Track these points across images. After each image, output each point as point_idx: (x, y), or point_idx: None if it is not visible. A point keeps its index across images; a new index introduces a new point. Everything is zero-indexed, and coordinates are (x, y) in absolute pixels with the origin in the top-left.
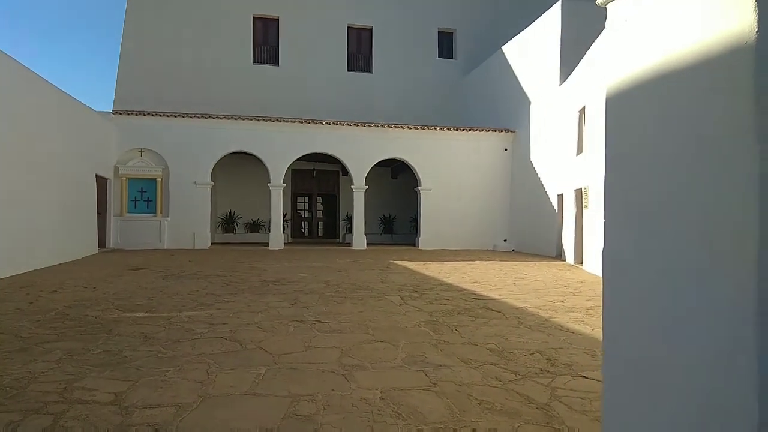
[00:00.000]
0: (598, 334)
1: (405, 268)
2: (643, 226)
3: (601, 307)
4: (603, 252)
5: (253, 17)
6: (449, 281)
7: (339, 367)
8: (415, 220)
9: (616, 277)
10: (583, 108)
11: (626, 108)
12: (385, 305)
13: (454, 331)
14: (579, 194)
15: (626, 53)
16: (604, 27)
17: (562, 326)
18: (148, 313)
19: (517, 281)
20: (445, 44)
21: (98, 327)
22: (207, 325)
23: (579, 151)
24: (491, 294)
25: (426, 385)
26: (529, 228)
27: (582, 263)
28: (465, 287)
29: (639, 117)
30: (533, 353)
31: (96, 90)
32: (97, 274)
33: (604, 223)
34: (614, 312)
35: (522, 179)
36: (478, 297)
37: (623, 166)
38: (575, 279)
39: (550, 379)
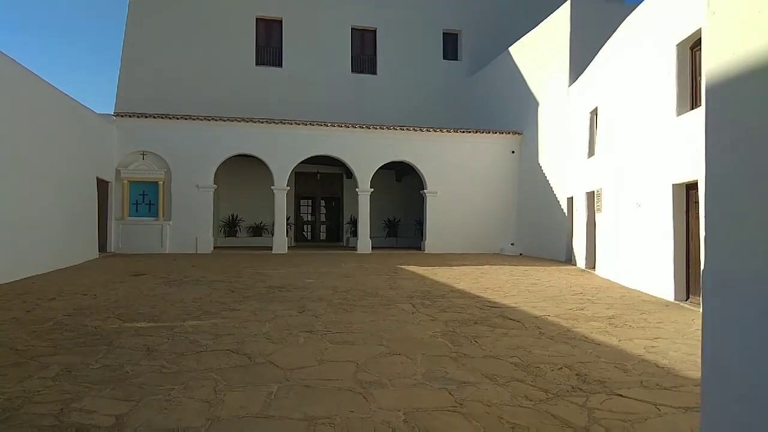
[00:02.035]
0: (626, 345)
1: (413, 273)
2: (763, 236)
3: (621, 317)
4: (704, 271)
5: (256, 18)
6: (460, 287)
7: (356, 384)
8: (419, 224)
9: (724, 300)
10: (596, 109)
11: (736, 94)
12: (397, 313)
13: (473, 342)
14: (591, 197)
15: (739, 30)
16: (615, 25)
17: (586, 337)
18: (150, 323)
19: (531, 287)
20: (450, 45)
21: (98, 338)
22: (212, 336)
23: (591, 153)
24: (506, 301)
25: (452, 406)
26: (537, 231)
27: (594, 268)
28: (477, 294)
29: (755, 103)
30: (561, 368)
31: (98, 92)
32: (98, 280)
33: (706, 235)
34: (721, 339)
35: (530, 182)
36: (493, 305)
37: (734, 162)
38: (590, 285)
39: (585, 399)
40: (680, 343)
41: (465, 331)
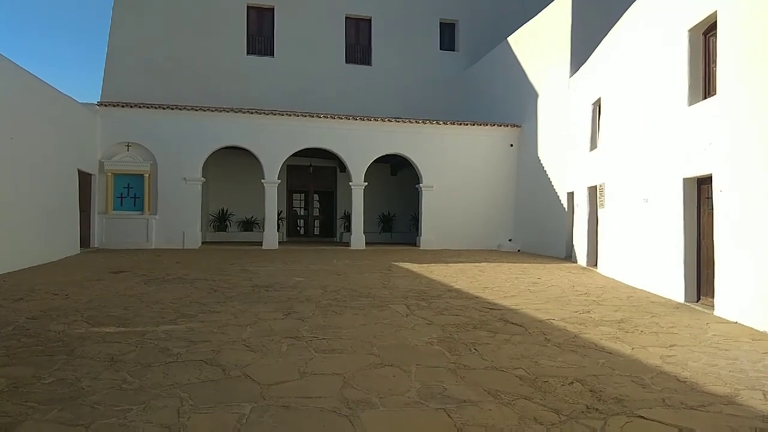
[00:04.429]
0: (640, 354)
1: (408, 270)
2: None
3: (631, 321)
4: None
5: (247, 6)
6: (457, 286)
7: (341, 403)
8: (415, 219)
9: None
10: (598, 100)
11: None
12: (390, 316)
13: (473, 350)
14: (593, 192)
15: None
16: (619, 12)
17: (596, 344)
18: (120, 327)
19: (532, 287)
20: (447, 36)
21: (59, 346)
22: (186, 342)
23: (593, 146)
24: (506, 303)
25: None
26: (535, 227)
27: (596, 266)
28: (476, 294)
29: None
30: (572, 382)
31: (83, 81)
32: (74, 278)
33: None
34: None
35: (528, 176)
36: (493, 306)
37: None
38: (593, 284)
39: (602, 422)
40: (699, 352)
41: (463, 337)
